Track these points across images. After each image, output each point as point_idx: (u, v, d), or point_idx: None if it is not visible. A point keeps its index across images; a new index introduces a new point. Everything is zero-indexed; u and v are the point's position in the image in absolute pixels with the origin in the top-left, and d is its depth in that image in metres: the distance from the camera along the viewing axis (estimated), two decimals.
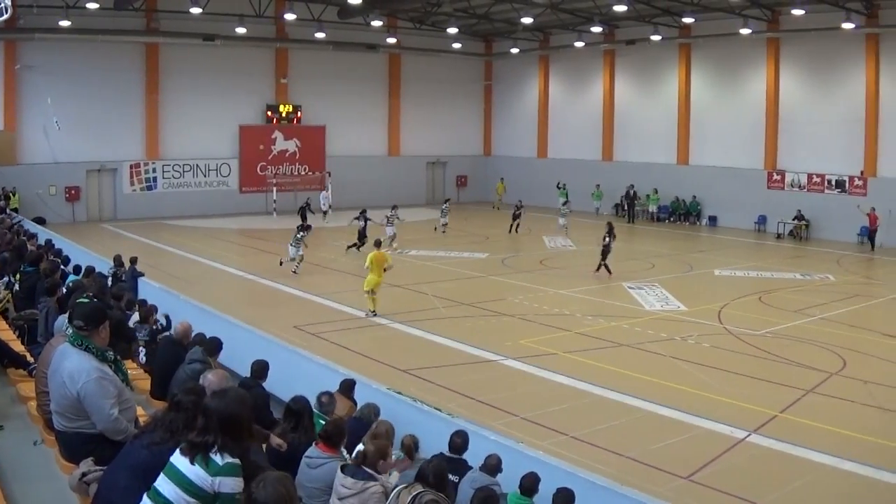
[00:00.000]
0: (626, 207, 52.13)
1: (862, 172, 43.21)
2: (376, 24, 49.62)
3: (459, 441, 10.60)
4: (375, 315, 23.03)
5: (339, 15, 49.10)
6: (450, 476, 9.67)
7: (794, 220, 44.48)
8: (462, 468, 10.32)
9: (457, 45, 56.53)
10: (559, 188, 49.30)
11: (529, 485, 9.77)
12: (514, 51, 56.64)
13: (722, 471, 13.51)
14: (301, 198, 46.15)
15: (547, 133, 59.42)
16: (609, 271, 30.07)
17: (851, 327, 24.00)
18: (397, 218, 36.46)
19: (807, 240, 43.48)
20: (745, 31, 44.13)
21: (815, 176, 45.01)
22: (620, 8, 40.39)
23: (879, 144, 42.76)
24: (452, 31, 50.76)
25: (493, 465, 10.22)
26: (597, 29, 48.48)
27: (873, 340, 22.51)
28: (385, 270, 23.25)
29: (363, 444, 8.90)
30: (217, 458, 5.17)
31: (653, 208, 51.34)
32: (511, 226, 41.21)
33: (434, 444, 10.65)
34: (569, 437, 14.64)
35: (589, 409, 16.66)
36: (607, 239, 30.45)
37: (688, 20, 46.37)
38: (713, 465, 13.68)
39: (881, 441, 14.87)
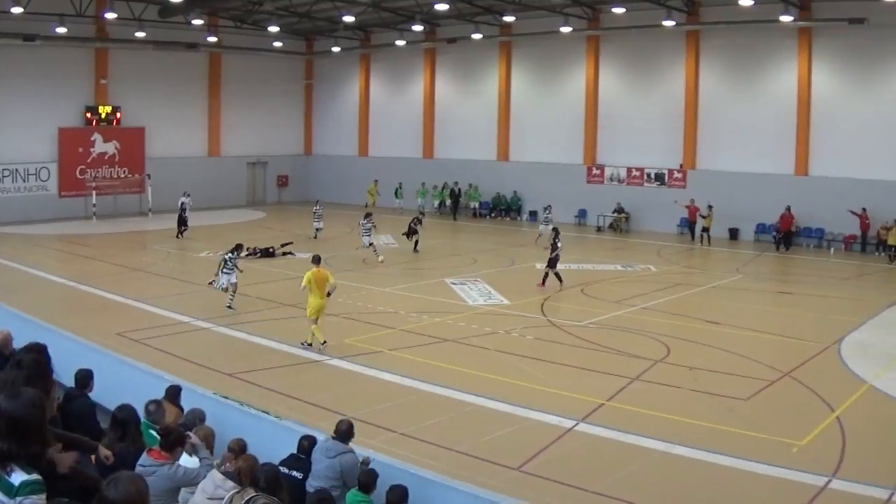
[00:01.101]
0: (447, 205, 55.14)
1: (681, 165, 47.02)
2: (197, 22, 50.24)
3: (307, 444, 11.19)
4: (324, 344, 20.67)
5: (159, 14, 48.78)
6: (296, 473, 10.70)
7: (613, 213, 47.52)
8: (305, 468, 10.97)
9: (278, 44, 58.46)
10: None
11: (367, 481, 10.19)
12: (336, 49, 58.62)
13: (552, 460, 14.21)
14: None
15: (368, 131, 62.13)
16: (560, 279, 29.79)
17: (674, 315, 26.09)
18: (374, 226, 35.80)
19: (627, 232, 47.03)
20: (565, 30, 46.80)
21: (634, 170, 48.65)
22: (442, 6, 42.88)
23: (698, 138, 46.70)
24: (273, 29, 52.14)
25: (343, 431, 11.11)
26: (418, 27, 50.93)
27: (695, 327, 24.51)
28: (328, 294, 21.04)
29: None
30: (13, 479, 5.01)
31: (474, 204, 54.19)
32: (410, 239, 37.58)
33: (262, 447, 10.97)
34: (398, 434, 15.17)
35: (417, 405, 17.24)
36: (559, 244, 30.16)
37: (509, 19, 49.23)
38: (543, 454, 14.37)
39: (709, 425, 16.04)
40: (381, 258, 34.36)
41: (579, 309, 26.34)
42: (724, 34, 45.10)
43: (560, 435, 15.28)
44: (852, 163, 41.80)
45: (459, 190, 54.09)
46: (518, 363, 20.01)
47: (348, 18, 49.36)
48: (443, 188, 55.06)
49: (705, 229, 42.98)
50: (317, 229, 41.85)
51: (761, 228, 44.56)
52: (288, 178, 63.58)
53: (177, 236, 40.96)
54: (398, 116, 59.79)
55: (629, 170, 48.91)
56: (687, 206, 43.53)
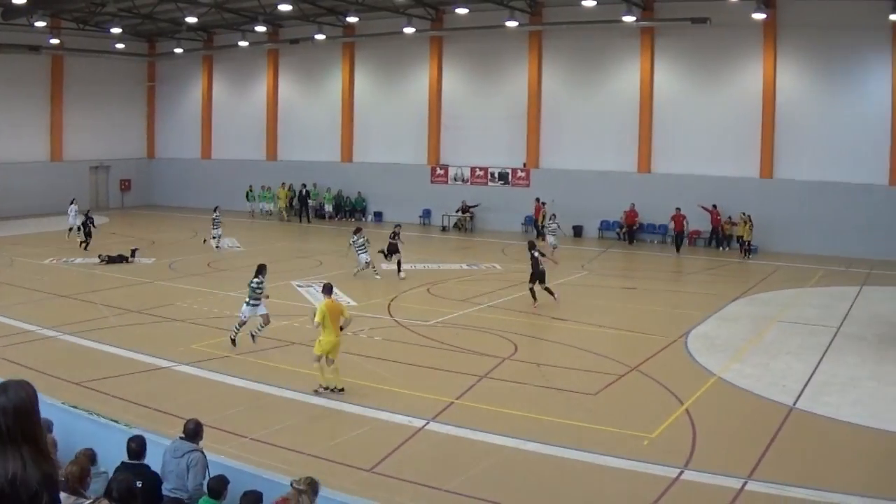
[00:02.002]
0: (295, 207, 54.73)
1: (525, 164, 47.68)
2: (39, 24, 48.18)
3: (135, 446, 10.72)
4: (342, 391, 17.56)
5: (2, 16, 47.15)
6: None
7: (458, 212, 47.80)
8: (145, 473, 10.49)
9: (120, 46, 57.16)
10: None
11: (217, 487, 9.99)
12: (178, 51, 57.76)
13: (404, 460, 14.15)
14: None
15: (211, 134, 61.33)
16: (552, 294, 27.50)
17: (520, 313, 26.43)
18: (367, 241, 32.71)
19: (472, 231, 47.57)
20: (409, 30, 47.22)
21: (478, 169, 49.13)
22: (285, 7, 43.03)
23: (541, 137, 47.65)
24: (116, 31, 51.29)
25: (191, 430, 10.86)
26: (261, 28, 50.76)
27: (542, 324, 25.10)
28: (342, 329, 18.11)
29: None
30: None
31: (329, 207, 53.84)
32: (389, 258, 32.96)
33: (113, 456, 10.67)
34: (249, 440, 14.85)
35: (266, 409, 16.95)
36: (537, 256, 27.72)
37: (352, 19, 49.32)
38: (395, 455, 14.29)
39: (559, 420, 16.23)
40: (378, 276, 31.93)
41: (426, 308, 26.42)
42: (567, 34, 46.01)
43: (411, 435, 15.20)
44: (695, 159, 43.31)
45: (307, 192, 53.72)
46: (366, 364, 19.86)
47: (191, 19, 48.73)
48: (289, 190, 54.61)
49: (543, 226, 43.63)
50: (214, 237, 39.66)
51: (605, 225, 45.77)
52: (131, 183, 61.98)
53: (83, 247, 37.85)
54: (241, 118, 59.20)
55: (473, 169, 49.57)
56: (536, 206, 44.52)
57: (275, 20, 52.17)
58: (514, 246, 40.89)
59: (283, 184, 54.45)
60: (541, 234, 42.80)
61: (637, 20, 42.68)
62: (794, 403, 17.62)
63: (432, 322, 24.43)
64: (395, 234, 32.74)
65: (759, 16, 40.05)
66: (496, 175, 49.01)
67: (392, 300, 27.69)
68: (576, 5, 41.37)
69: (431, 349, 21.55)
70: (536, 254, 27.27)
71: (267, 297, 21.91)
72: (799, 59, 41.96)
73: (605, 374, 19.45)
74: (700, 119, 43.50)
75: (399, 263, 32.01)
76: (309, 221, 52.53)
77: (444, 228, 48.56)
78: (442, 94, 50.66)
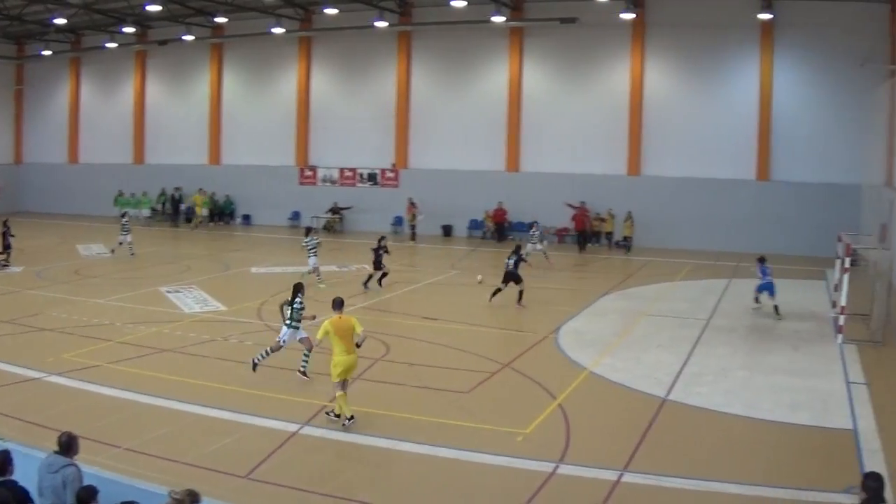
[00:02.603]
0: (166, 210, 54.00)
1: (393, 165, 47.86)
2: None
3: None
4: (351, 420, 15.75)
5: None
6: None
7: (327, 213, 47.57)
8: (14, 489, 10.12)
9: None
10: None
11: (86, 496, 9.66)
12: (46, 53, 56.45)
13: (279, 465, 13.96)
14: None
15: (78, 138, 59.77)
16: (520, 300, 27.98)
17: (391, 313, 26.61)
18: (319, 243, 31.92)
19: (342, 232, 47.38)
20: (278, 31, 46.98)
21: (347, 170, 49.02)
22: (154, 8, 42.36)
23: (410, 137, 48.04)
24: None
25: (64, 443, 10.42)
26: (129, 29, 49.85)
27: (414, 324, 24.99)
28: (358, 346, 16.29)
29: None
30: None
31: (205, 212, 52.51)
32: (372, 276, 31.13)
33: None
34: (122, 450, 14.43)
35: (139, 418, 16.48)
36: (513, 259, 28.27)
37: (221, 20, 48.86)
38: (270, 460, 14.09)
39: (433, 419, 16.15)
40: (322, 286, 30.48)
41: None
42: (436, 34, 46.37)
43: (285, 440, 15.00)
44: (564, 158, 44.08)
45: (181, 196, 52.86)
46: (238, 370, 19.50)
47: (60, 21, 47.61)
48: (160, 194, 53.86)
49: (413, 225, 44.56)
50: (120, 243, 38.04)
51: (474, 224, 46.14)
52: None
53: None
54: (109, 121, 57.88)
55: (342, 170, 49.51)
56: (409, 207, 44.85)
57: (143, 21, 51.28)
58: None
59: (143, 193, 53.95)
60: (413, 234, 43.25)
61: (506, 20, 43.11)
62: (667, 395, 18.00)
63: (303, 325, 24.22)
64: (381, 248, 30.55)
65: (628, 15, 40.90)
66: (365, 176, 49.10)
67: (262, 304, 27.34)
68: (445, 6, 41.73)
69: (300, 353, 21.26)
70: (512, 261, 28.00)
71: (313, 317, 19.72)
72: (667, 58, 43.08)
73: (478, 371, 19.57)
74: (569, 117, 44.28)
75: (383, 276, 30.48)
76: (177, 226, 51.74)
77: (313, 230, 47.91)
78: (310, 95, 50.51)
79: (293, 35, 49.29)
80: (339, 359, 15.74)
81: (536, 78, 45.37)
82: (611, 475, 13.53)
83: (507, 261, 28.27)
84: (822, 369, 20.63)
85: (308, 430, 15.61)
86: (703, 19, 41.69)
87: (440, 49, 46.98)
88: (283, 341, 19.29)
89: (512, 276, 28.01)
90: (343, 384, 15.78)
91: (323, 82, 50.35)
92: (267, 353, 19.23)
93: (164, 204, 53.85)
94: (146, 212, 53.79)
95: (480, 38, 45.67)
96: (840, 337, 23.30)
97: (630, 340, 23.34)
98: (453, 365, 20.26)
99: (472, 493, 13.29)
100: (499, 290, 27.99)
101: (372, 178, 48.87)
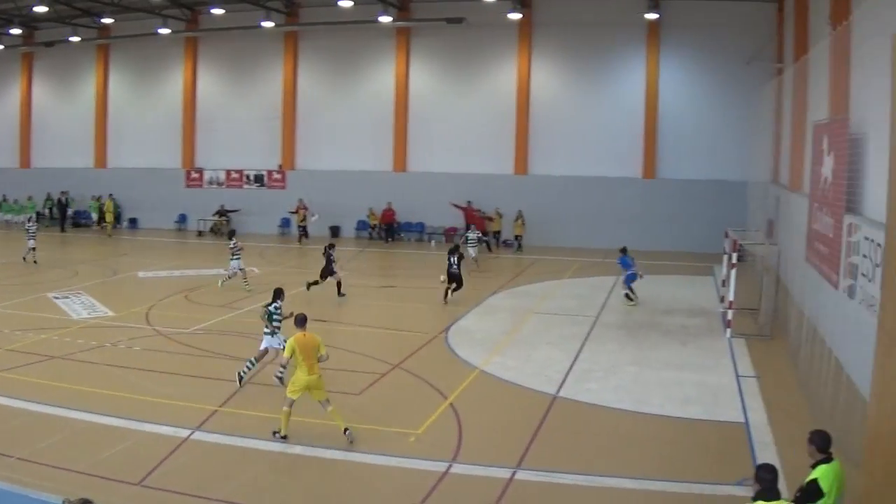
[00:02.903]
0: (54, 215, 52.39)
1: (280, 166, 47.29)
2: None
3: None
4: (285, 438, 15.12)
5: None
6: None
7: (214, 216, 46.72)
8: None
9: None
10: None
11: None
12: None
13: (172, 471, 13.62)
14: None
15: None
16: (446, 295, 28.45)
17: None
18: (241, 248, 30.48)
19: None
20: (164, 31, 46.27)
21: (233, 172, 48.32)
22: (41, 9, 41.28)
23: (297, 138, 47.69)
24: None
25: None
26: (16, 31, 48.55)
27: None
28: (319, 360, 15.39)
29: None
30: None
31: (94, 215, 51.61)
32: (322, 280, 29.40)
33: None
34: (14, 459, 13.90)
35: (29, 427, 15.88)
36: (453, 260, 28.52)
37: (107, 21, 47.86)
38: (162, 467, 13.75)
39: (324, 421, 15.67)
40: (248, 288, 29.93)
41: (185, 316, 25.66)
42: (323, 35, 46.01)
43: (177, 445, 14.65)
44: (452, 157, 44.16)
45: (67, 200, 51.50)
46: (128, 376, 19.06)
47: None
48: (46, 199, 52.47)
49: (302, 227, 44.21)
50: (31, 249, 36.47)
51: (362, 225, 45.93)
52: None
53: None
54: None
55: (228, 172, 48.82)
56: (298, 209, 44.48)
57: (30, 22, 50.09)
58: (273, 249, 40.90)
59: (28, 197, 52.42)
60: (304, 235, 42.88)
61: (393, 20, 43.02)
62: (557, 392, 18.02)
63: (192, 329, 23.77)
64: (329, 255, 29.00)
65: (515, 16, 41.17)
66: (252, 177, 48.51)
67: (150, 308, 26.78)
68: (332, 6, 41.56)
69: (192, 357, 20.94)
70: (454, 259, 28.37)
71: (291, 314, 18.25)
72: (554, 58, 43.42)
73: (369, 373, 19.39)
74: (456, 117, 44.36)
75: (340, 285, 28.76)
76: (64, 231, 50.37)
77: (200, 233, 47.80)
78: (197, 97, 49.77)
79: (179, 36, 48.56)
80: (300, 377, 15.03)
81: (423, 78, 45.36)
82: (504, 473, 13.49)
83: (450, 260, 28.57)
84: (711, 364, 20.87)
85: (200, 436, 15.26)
86: (590, 19, 42.21)
87: (327, 49, 46.67)
88: (263, 346, 19.01)
89: (455, 277, 28.38)
90: (292, 402, 15.05)
91: (210, 83, 49.65)
92: (253, 363, 18.73)
93: (50, 209, 52.44)
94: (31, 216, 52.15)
95: (367, 39, 45.52)
96: (729, 331, 23.65)
97: (520, 338, 23.37)
98: (344, 367, 19.87)
99: (365, 494, 13.11)
100: (448, 289, 28.39)
101: (259, 179, 48.37)
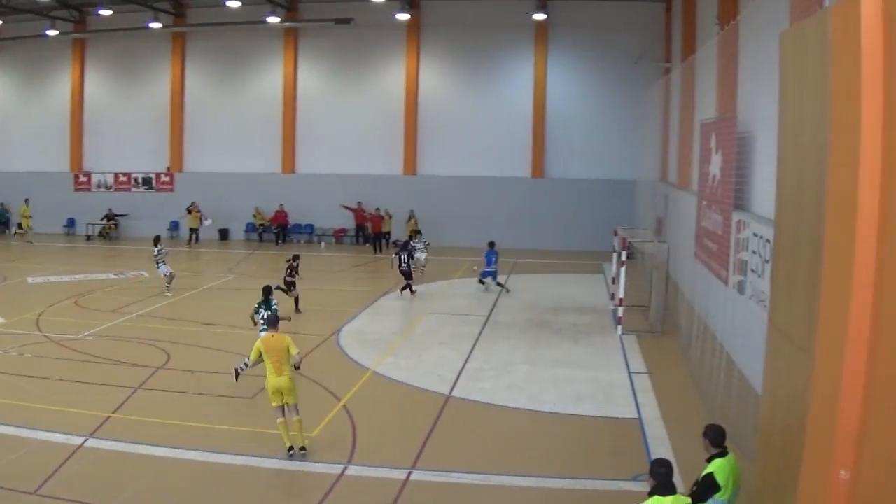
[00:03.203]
0: None
1: (168, 168, 46.31)
2: None
3: None
4: (304, 452, 14.34)
5: None
6: None
7: (102, 220, 45.91)
8: None
9: None
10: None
11: None
12: None
13: (67, 480, 13.25)
14: None
15: None
16: (411, 291, 29.80)
17: (170, 320, 25.54)
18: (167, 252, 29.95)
19: (118, 239, 45.90)
20: (52, 33, 45.11)
21: (122, 175, 47.41)
22: None
23: (185, 140, 46.81)
24: None
25: None
26: None
27: (193, 331, 24.17)
28: (297, 367, 14.90)
29: None
30: None
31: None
32: (289, 294, 27.57)
33: None
34: None
35: None
36: (404, 258, 29.52)
37: None
38: (57, 475, 13.36)
39: (219, 426, 15.78)
40: (168, 294, 29.44)
41: (75, 321, 24.95)
42: (211, 36, 45.23)
43: (71, 453, 14.26)
44: (341, 159, 43.92)
45: None
46: (19, 383, 18.48)
47: None
48: None
49: (193, 230, 43.70)
50: None
51: (251, 227, 45.35)
52: None
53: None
54: None
55: (116, 175, 47.73)
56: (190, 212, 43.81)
57: None
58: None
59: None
60: (196, 240, 42.27)
61: (281, 21, 42.59)
62: (451, 392, 17.97)
63: (82, 335, 23.16)
64: (292, 268, 27.67)
65: (403, 16, 41.05)
66: (140, 180, 47.49)
67: (40, 314, 25.99)
68: (220, 6, 40.96)
69: (84, 363, 20.40)
70: (405, 256, 29.38)
71: (288, 319, 19.84)
72: (443, 59, 43.44)
73: (261, 376, 18.75)
74: (345, 118, 44.06)
75: (297, 301, 27.11)
76: None
77: (88, 237, 46.57)
78: (84, 99, 48.36)
79: (67, 38, 47.18)
80: (269, 380, 14.44)
81: (312, 79, 44.94)
82: (399, 474, 13.42)
83: (400, 258, 29.58)
84: (603, 361, 21.02)
85: (94, 443, 14.86)
86: (479, 20, 42.34)
87: (215, 50, 45.93)
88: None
89: (406, 275, 29.44)
90: (283, 410, 14.42)
91: (97, 85, 48.35)
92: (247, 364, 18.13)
93: None
94: None
95: (256, 39, 44.96)
96: (620, 329, 23.86)
97: (412, 339, 23.32)
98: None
99: (262, 497, 12.93)
100: (408, 285, 29.47)
101: (147, 182, 47.36)
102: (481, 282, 31.13)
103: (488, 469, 13.66)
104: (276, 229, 44.30)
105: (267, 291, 20.25)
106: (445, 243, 41.15)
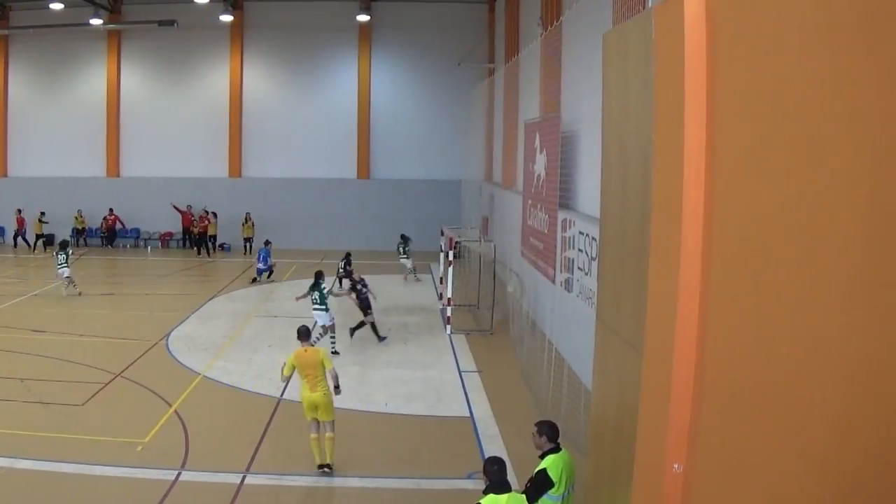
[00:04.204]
0: None
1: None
2: None
3: None
4: (330, 470, 13.66)
5: None
6: None
7: None
8: None
9: None
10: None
11: None
12: None
13: None
14: None
15: None
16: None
17: None
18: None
19: None
20: None
21: None
22: None
23: (9, 144, 45.17)
24: None
25: None
26: None
27: (21, 338, 23.26)
28: (337, 388, 13.86)
29: None
30: None
31: None
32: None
33: None
34: None
35: None
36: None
37: None
38: None
39: (50, 434, 15.18)
40: (71, 291, 29.04)
41: None
42: (34, 38, 43.60)
43: None
44: (167, 161, 43.08)
45: None
46: None
47: None
48: None
49: (39, 236, 42.28)
50: None
51: (74, 232, 43.99)
52: None
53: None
54: None
55: None
56: (17, 218, 42.30)
57: None
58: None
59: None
60: (29, 245, 40.94)
61: (104, 23, 41.45)
62: (282, 394, 17.69)
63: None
64: (361, 284, 24.02)
65: (227, 18, 40.42)
66: None
67: None
68: (44, 9, 39.82)
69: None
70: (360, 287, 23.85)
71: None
72: (268, 61, 43.11)
73: (90, 383, 18.55)
74: (170, 121, 43.22)
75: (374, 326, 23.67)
76: None
77: None
78: None
79: None
80: (303, 394, 13.65)
81: (136, 81, 43.86)
82: (234, 478, 13.23)
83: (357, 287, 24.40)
84: (433, 360, 21.11)
85: None
86: (303, 21, 42.13)
87: (38, 53, 44.24)
88: (332, 318, 22.06)
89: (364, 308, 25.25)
90: (317, 425, 13.65)
91: None
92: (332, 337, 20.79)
93: None
94: None
95: (80, 42, 43.54)
96: (449, 328, 23.98)
97: (241, 342, 23.03)
98: (65, 377, 19.09)
99: None
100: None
101: None
102: (254, 280, 32.45)
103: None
104: (104, 233, 43.14)
105: (318, 276, 22.33)
106: (274, 245, 40.79)
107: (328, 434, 13.65)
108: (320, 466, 13.60)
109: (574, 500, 9.51)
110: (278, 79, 43.27)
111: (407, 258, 34.22)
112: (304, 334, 14.09)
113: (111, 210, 43.05)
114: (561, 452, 9.42)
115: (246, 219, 41.51)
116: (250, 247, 40.89)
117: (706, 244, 6.46)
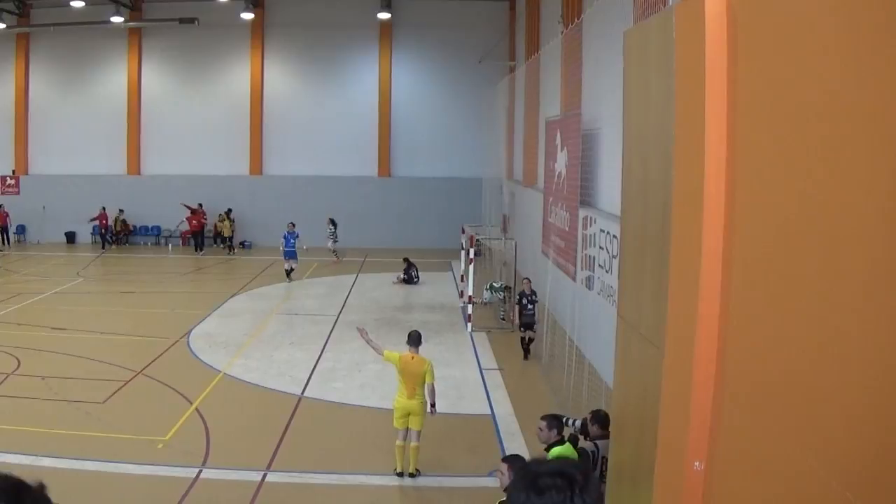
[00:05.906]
0: None
1: (14, 171, 44.64)
2: None
3: None
4: (405, 475, 13.60)
5: None
6: None
7: None
8: None
9: None
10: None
11: None
12: None
13: None
14: None
15: None
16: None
17: (19, 326, 24.54)
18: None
19: None
20: None
21: None
22: None
23: (30, 142, 45.14)
24: None
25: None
26: None
27: (43, 336, 23.34)
28: (433, 405, 13.76)
29: None
30: None
31: None
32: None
33: None
34: None
35: None
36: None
37: None
38: None
39: (71, 432, 15.27)
40: None
41: None
42: (55, 36, 43.68)
43: None
44: (187, 159, 43.09)
45: None
46: None
47: None
48: None
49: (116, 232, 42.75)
50: None
51: (98, 230, 44.14)
52: None
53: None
54: None
55: None
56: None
57: None
58: (6, 257, 38.66)
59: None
60: (109, 242, 41.34)
61: (125, 21, 41.55)
62: (303, 392, 17.85)
63: None
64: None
65: (248, 16, 40.48)
66: None
67: None
68: (65, 6, 39.87)
69: None
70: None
71: None
72: (289, 59, 43.15)
73: (112, 381, 18.63)
74: (190, 119, 43.29)
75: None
76: None
77: None
78: None
79: None
80: (398, 400, 13.64)
81: (157, 79, 44.01)
82: (255, 476, 13.28)
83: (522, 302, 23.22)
84: (454, 358, 21.12)
85: None
86: (324, 19, 42.12)
87: (59, 51, 44.38)
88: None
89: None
90: (405, 433, 13.58)
91: None
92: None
93: None
94: None
95: (99, 39, 43.61)
96: (470, 326, 24.00)
97: (262, 340, 23.07)
98: (86, 375, 19.14)
99: (122, 501, 12.63)
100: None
101: None
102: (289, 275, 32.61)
103: (343, 468, 13.62)
104: (106, 231, 43.32)
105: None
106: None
107: (413, 443, 13.54)
108: (400, 473, 13.49)
109: None
110: (299, 77, 43.32)
111: (335, 241, 35.86)
112: (415, 340, 13.89)
113: (103, 208, 42.90)
114: (566, 444, 9.54)
115: (222, 218, 41.59)
116: (230, 246, 41.13)
117: (727, 242, 6.46)
